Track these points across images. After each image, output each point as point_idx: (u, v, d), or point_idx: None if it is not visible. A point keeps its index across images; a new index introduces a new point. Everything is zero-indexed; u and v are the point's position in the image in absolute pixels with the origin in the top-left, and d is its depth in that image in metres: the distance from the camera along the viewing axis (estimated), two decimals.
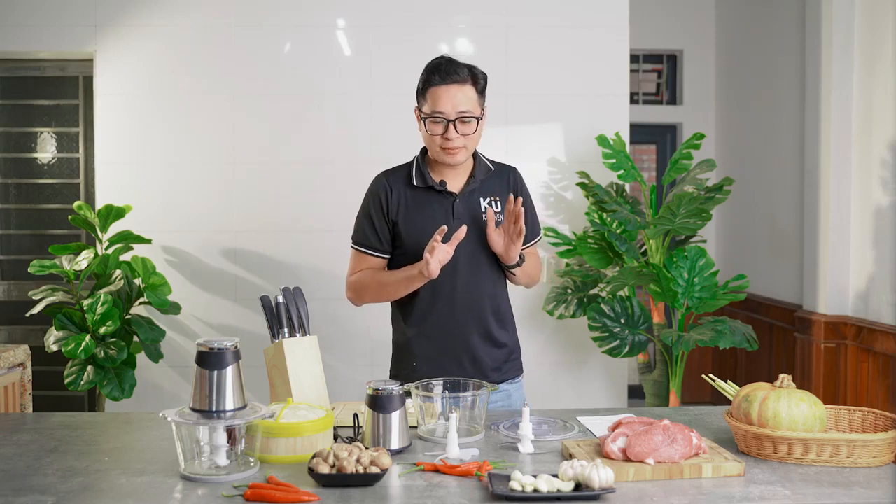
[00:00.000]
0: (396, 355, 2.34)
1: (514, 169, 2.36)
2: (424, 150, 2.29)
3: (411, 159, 2.30)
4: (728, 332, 3.62)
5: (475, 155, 2.30)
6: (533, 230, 2.38)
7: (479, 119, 2.17)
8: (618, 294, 3.85)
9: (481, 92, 2.19)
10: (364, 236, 2.27)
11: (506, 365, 2.32)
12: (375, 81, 4.04)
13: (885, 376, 3.72)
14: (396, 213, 2.23)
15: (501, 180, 2.31)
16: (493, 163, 2.34)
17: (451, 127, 2.13)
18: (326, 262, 4.03)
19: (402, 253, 2.25)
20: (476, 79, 2.18)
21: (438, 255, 2.06)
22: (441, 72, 2.14)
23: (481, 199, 2.25)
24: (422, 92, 2.19)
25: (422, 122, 2.20)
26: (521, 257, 2.24)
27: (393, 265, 2.28)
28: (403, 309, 2.28)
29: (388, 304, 2.33)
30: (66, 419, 2.10)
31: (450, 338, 2.23)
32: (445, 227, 2.06)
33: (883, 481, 1.60)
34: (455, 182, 2.26)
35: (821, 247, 4.07)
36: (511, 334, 2.35)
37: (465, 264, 2.21)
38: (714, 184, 3.86)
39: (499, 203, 2.27)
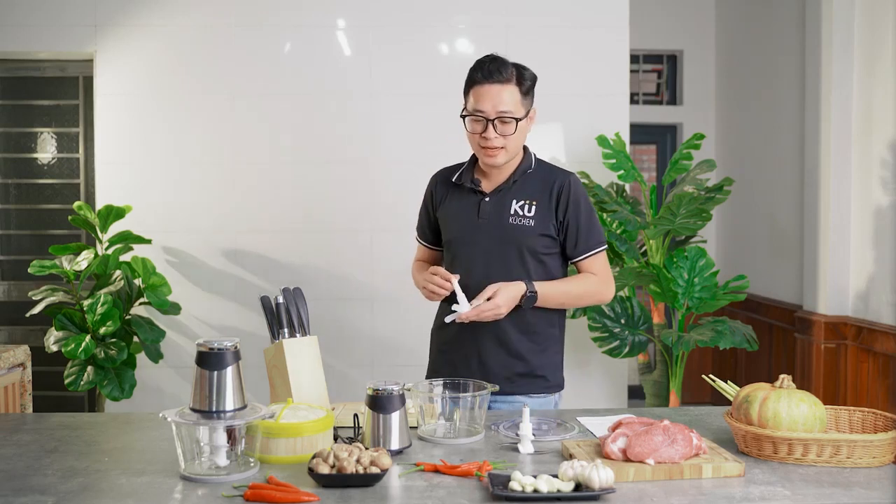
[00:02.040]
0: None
1: (568, 175, 2.23)
2: None
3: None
4: (728, 332, 3.62)
5: (526, 155, 2.25)
6: (588, 242, 2.22)
7: (518, 120, 2.12)
8: (618, 294, 3.85)
9: (526, 93, 2.14)
10: (420, 229, 2.44)
11: (521, 379, 2.22)
12: (375, 81, 4.04)
13: (885, 376, 3.72)
14: (437, 208, 2.34)
15: (545, 184, 2.20)
16: (546, 166, 2.27)
17: (490, 126, 2.11)
18: (327, 262, 4.03)
19: (447, 246, 2.33)
20: (522, 78, 2.13)
21: (431, 285, 2.16)
22: (484, 70, 2.11)
23: (514, 201, 2.20)
24: (466, 89, 2.18)
25: (464, 119, 2.18)
26: (527, 299, 2.14)
27: (445, 256, 2.36)
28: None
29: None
30: (66, 419, 2.10)
31: (462, 335, 2.23)
32: (454, 279, 2.14)
33: (883, 481, 1.60)
34: (494, 181, 2.24)
35: (821, 247, 4.07)
36: (540, 351, 2.23)
37: (483, 265, 2.20)
38: (714, 184, 3.86)
39: (533, 207, 2.18)
